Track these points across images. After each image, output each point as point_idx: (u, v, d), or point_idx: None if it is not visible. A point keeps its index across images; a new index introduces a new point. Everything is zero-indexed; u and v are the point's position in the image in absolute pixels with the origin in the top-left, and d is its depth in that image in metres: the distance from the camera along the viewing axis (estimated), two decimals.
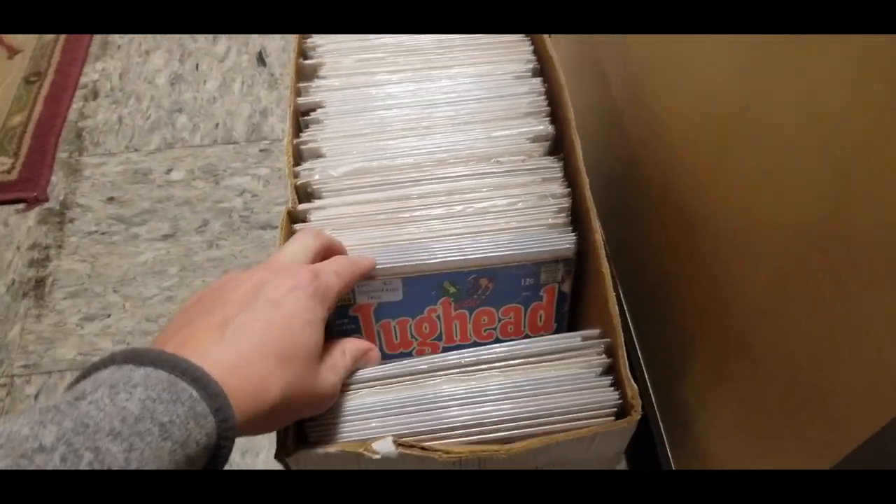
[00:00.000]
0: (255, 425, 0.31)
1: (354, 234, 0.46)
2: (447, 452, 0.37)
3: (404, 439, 0.37)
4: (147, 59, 1.09)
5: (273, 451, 0.38)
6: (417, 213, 0.47)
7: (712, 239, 0.45)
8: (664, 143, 0.50)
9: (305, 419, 0.39)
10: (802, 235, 0.34)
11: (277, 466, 0.38)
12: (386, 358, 0.46)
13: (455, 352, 0.42)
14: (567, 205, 0.47)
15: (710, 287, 0.46)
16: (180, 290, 0.83)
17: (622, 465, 0.67)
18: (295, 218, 0.47)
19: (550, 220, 0.47)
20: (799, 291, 0.35)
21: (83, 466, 0.23)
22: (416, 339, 0.49)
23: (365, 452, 0.37)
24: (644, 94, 0.53)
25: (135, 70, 1.07)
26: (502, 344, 0.42)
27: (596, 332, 0.43)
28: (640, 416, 0.39)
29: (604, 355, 0.42)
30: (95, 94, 1.04)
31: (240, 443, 0.71)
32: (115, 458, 0.24)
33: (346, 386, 0.40)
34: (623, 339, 0.42)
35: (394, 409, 0.39)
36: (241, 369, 0.31)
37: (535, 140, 0.50)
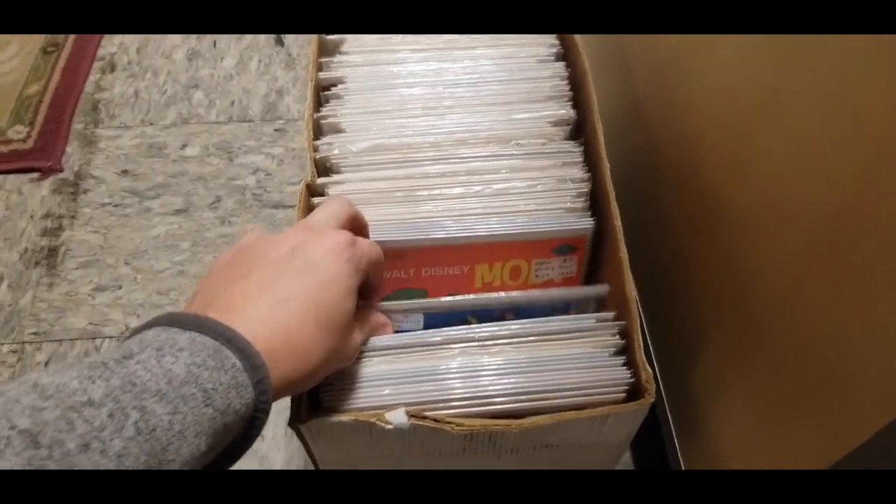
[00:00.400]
0: (295, 388, 0.32)
1: (372, 209, 0.46)
2: (459, 425, 0.38)
3: (417, 410, 0.37)
4: (165, 34, 1.09)
5: (279, 425, 0.38)
6: (436, 192, 0.47)
7: (731, 225, 0.45)
8: (687, 128, 0.50)
9: (320, 384, 0.39)
10: (825, 223, 0.34)
11: (285, 443, 0.38)
12: None
13: (469, 326, 0.42)
14: (586, 189, 0.47)
15: (726, 274, 0.46)
16: (192, 265, 0.83)
17: (626, 455, 0.67)
18: (314, 191, 0.47)
19: (569, 204, 0.47)
20: (819, 280, 0.35)
21: (129, 424, 0.23)
22: None
23: (378, 422, 0.37)
24: (669, 79, 0.53)
25: (152, 44, 1.07)
26: (516, 322, 0.42)
27: (611, 314, 0.43)
28: (653, 400, 0.39)
29: (617, 336, 0.42)
30: (113, 67, 1.05)
31: None
32: (161, 418, 0.24)
33: (361, 353, 0.40)
34: (639, 323, 0.42)
35: (407, 378, 0.40)
36: (284, 337, 0.31)
37: (556, 124, 0.50)
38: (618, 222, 0.45)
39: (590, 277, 0.49)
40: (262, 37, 1.08)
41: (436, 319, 0.44)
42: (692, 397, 0.53)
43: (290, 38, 1.08)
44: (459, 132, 0.49)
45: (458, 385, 0.40)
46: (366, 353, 0.40)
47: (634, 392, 0.41)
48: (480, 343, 0.41)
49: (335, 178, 0.47)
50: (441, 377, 0.40)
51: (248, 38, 1.08)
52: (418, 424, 0.37)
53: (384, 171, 0.48)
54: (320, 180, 0.47)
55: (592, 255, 0.48)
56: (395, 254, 0.44)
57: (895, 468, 0.32)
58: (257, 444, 0.70)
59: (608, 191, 0.46)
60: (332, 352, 0.33)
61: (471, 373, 0.40)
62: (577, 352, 0.41)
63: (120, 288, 0.82)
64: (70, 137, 0.96)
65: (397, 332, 0.43)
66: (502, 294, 0.44)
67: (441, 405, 0.39)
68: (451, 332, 0.41)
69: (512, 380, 0.40)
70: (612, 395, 0.40)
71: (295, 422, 0.37)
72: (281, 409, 0.37)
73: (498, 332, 0.41)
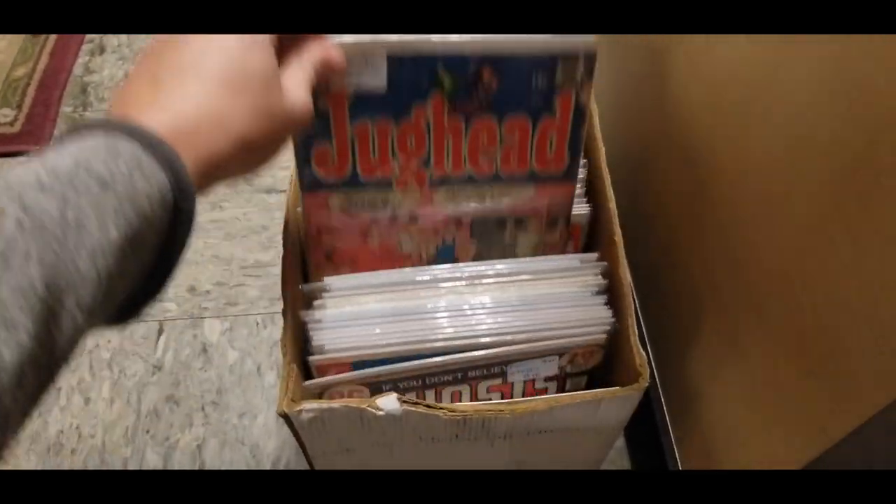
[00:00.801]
0: (225, 166, 0.28)
1: None
2: (451, 410, 0.37)
3: (408, 398, 0.37)
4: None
5: (271, 412, 0.38)
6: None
7: (727, 207, 0.44)
8: (684, 112, 0.50)
9: (309, 327, 0.39)
10: (822, 205, 0.34)
11: (276, 430, 0.38)
12: (361, 185, 0.41)
13: (456, 265, 0.43)
14: (582, 175, 0.47)
15: (722, 257, 0.46)
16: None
17: (620, 440, 0.67)
18: None
19: None
20: (816, 256, 0.35)
21: (9, 222, 0.20)
22: (398, 160, 0.41)
23: (369, 409, 0.37)
24: (665, 58, 0.52)
25: None
26: (502, 262, 0.43)
27: (594, 255, 0.44)
28: (646, 384, 0.39)
29: (600, 277, 0.43)
30: (102, 50, 1.03)
31: (237, 405, 0.72)
32: (47, 211, 0.21)
33: (351, 292, 0.41)
34: (633, 309, 0.42)
35: (396, 316, 0.41)
36: (192, 111, 0.27)
37: None
38: (613, 206, 0.45)
39: None
40: None
41: (402, 74, 0.37)
42: (687, 380, 0.53)
43: None
44: None
45: (443, 324, 0.41)
46: (357, 292, 0.41)
47: (616, 334, 0.42)
48: (466, 282, 0.42)
49: None
50: (429, 316, 0.41)
51: None
52: (410, 410, 0.37)
53: None
54: None
55: (588, 237, 0.48)
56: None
57: (885, 456, 0.32)
58: (247, 432, 0.70)
59: (603, 174, 0.46)
60: (255, 110, 0.29)
61: (457, 312, 0.41)
62: (561, 291, 0.42)
63: None
64: (58, 121, 0.94)
65: (356, 91, 0.38)
66: (477, 37, 0.38)
67: (426, 345, 0.40)
68: (438, 272, 0.42)
69: (496, 319, 0.41)
70: (594, 336, 0.41)
71: (283, 410, 0.37)
72: (273, 397, 0.37)
73: (484, 272, 0.42)
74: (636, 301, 0.60)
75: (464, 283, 0.43)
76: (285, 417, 0.38)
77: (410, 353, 0.41)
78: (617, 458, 0.67)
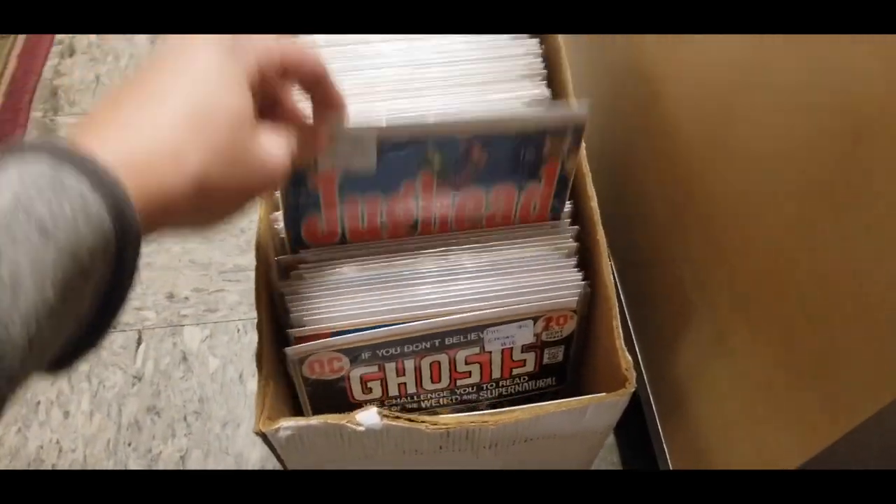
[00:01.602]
0: (176, 213, 0.25)
1: None
2: (434, 423, 0.36)
3: (388, 411, 0.36)
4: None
5: (254, 421, 0.36)
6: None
7: (712, 203, 0.43)
8: (665, 106, 0.49)
9: (287, 299, 0.40)
10: (808, 195, 0.33)
11: (260, 439, 0.37)
12: (349, 243, 0.43)
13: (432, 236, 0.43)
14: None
15: (708, 254, 0.45)
16: (159, 255, 0.81)
17: (610, 438, 0.67)
18: None
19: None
20: (804, 255, 0.34)
21: None
22: (386, 227, 0.43)
23: (348, 424, 0.36)
24: (645, 52, 0.51)
25: None
26: (474, 233, 0.44)
27: (566, 221, 0.44)
28: (633, 389, 0.38)
29: (571, 240, 0.44)
30: (72, 51, 1.00)
31: (219, 414, 0.71)
32: None
33: (329, 261, 0.42)
34: (617, 310, 0.41)
35: (373, 284, 0.41)
36: (149, 143, 0.25)
37: (530, 105, 0.48)
38: (594, 204, 0.44)
39: None
40: None
41: (392, 156, 0.38)
42: (675, 379, 0.52)
43: None
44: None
45: (421, 291, 0.42)
46: (334, 260, 0.41)
47: (586, 299, 0.43)
48: (444, 249, 0.43)
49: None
50: (406, 283, 0.42)
51: None
52: (391, 424, 0.36)
53: None
54: None
55: None
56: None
57: (880, 460, 0.32)
58: (231, 441, 0.69)
59: (584, 172, 0.45)
60: (216, 152, 0.26)
61: (434, 279, 0.42)
62: (532, 254, 0.43)
63: None
64: (29, 126, 0.92)
65: (345, 172, 0.38)
66: (467, 117, 0.39)
67: (404, 314, 0.41)
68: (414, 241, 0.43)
69: (472, 284, 0.42)
70: (567, 300, 0.42)
71: (260, 428, 0.36)
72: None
73: (460, 239, 0.44)
74: (623, 302, 0.59)
75: (440, 249, 0.43)
76: (263, 436, 0.36)
77: (388, 321, 0.41)
78: (607, 455, 0.66)
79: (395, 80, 0.49)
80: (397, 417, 0.36)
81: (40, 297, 0.20)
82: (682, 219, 0.49)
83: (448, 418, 0.37)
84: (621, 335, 0.40)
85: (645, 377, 0.57)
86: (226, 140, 0.27)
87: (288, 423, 0.35)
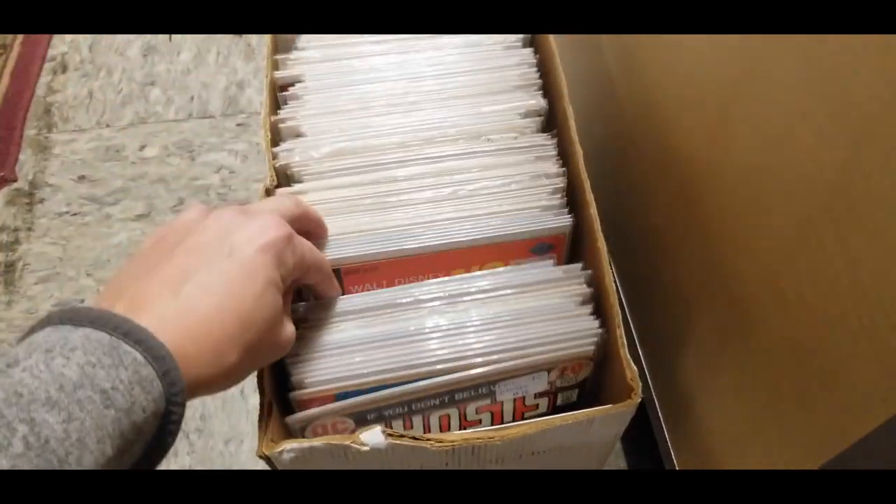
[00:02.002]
0: (210, 388, 0.30)
1: (339, 220, 0.43)
2: (440, 441, 0.36)
3: (393, 430, 0.36)
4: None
5: (257, 437, 0.36)
6: (405, 197, 0.44)
7: (711, 209, 0.43)
8: (662, 111, 0.48)
9: (287, 361, 0.39)
10: (810, 206, 0.33)
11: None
12: None
13: (438, 283, 0.42)
14: (562, 185, 0.45)
15: (710, 261, 0.45)
16: None
17: (617, 446, 0.66)
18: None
19: (545, 202, 0.44)
20: (806, 262, 0.34)
21: (16, 440, 0.21)
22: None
23: (353, 445, 0.35)
24: (640, 58, 0.51)
25: (105, 42, 1.03)
26: (485, 276, 0.42)
27: (578, 265, 0.43)
28: (639, 400, 0.38)
29: (584, 286, 0.42)
30: (64, 67, 1.00)
31: (223, 430, 0.70)
32: (53, 429, 0.22)
33: (329, 319, 0.40)
34: (620, 319, 0.40)
35: (378, 342, 0.40)
36: (197, 332, 0.28)
37: (526, 115, 0.48)
38: (594, 211, 0.43)
39: None
40: None
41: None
42: (681, 386, 0.52)
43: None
44: (426, 130, 0.47)
45: (429, 347, 0.40)
46: (335, 319, 0.40)
47: (604, 344, 0.41)
48: (448, 301, 0.41)
49: (297, 187, 0.45)
50: (412, 339, 0.40)
51: None
52: (396, 444, 0.35)
53: (349, 177, 0.45)
54: (280, 190, 0.45)
55: (571, 248, 0.47)
56: (367, 267, 0.42)
57: (889, 467, 0.31)
58: (235, 459, 0.68)
59: (583, 179, 0.44)
60: (251, 349, 0.31)
61: (442, 334, 0.40)
62: (545, 304, 0.41)
63: (82, 301, 0.78)
64: (23, 144, 0.92)
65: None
66: (460, 240, 0.42)
67: (412, 371, 0.39)
68: (419, 291, 0.42)
69: (482, 338, 0.40)
70: (583, 349, 0.40)
71: (263, 451, 0.35)
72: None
73: (468, 290, 0.42)
74: (626, 309, 0.59)
75: (446, 301, 0.41)
76: (266, 459, 0.36)
77: (395, 380, 0.39)
78: (613, 461, 0.66)
79: (389, 94, 0.49)
80: (402, 436, 0.35)
81: (101, 454, 0.24)
82: (680, 224, 0.48)
83: (453, 435, 0.36)
84: (625, 344, 0.40)
85: (650, 384, 0.57)
86: (260, 340, 0.31)
87: (291, 446, 0.35)
